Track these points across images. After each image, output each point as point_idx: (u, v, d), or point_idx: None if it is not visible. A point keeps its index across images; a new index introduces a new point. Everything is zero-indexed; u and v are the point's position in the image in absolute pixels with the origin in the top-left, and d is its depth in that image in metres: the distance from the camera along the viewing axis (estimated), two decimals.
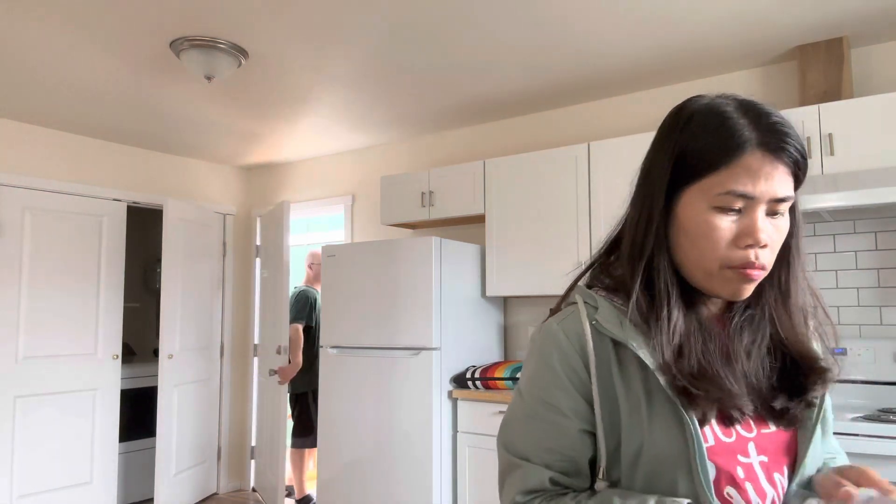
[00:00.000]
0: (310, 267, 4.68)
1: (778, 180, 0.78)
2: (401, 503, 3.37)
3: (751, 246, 0.78)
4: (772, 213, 0.79)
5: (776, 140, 0.77)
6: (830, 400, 0.93)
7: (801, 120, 2.74)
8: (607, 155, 3.28)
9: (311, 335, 4.49)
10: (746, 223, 0.79)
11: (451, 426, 3.40)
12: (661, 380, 0.79)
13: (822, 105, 2.72)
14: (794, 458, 0.85)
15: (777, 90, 3.17)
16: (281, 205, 4.31)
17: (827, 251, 2.94)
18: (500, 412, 3.23)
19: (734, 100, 0.82)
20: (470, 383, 3.35)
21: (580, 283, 0.94)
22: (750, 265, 0.79)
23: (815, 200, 2.52)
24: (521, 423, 0.88)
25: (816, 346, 0.88)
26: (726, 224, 0.79)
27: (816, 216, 2.79)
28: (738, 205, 0.78)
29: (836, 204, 2.50)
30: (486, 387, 3.32)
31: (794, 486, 0.82)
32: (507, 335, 3.93)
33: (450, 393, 3.40)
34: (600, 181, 3.29)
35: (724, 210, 0.79)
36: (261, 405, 4.84)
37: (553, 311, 0.93)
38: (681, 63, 3.17)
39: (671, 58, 3.10)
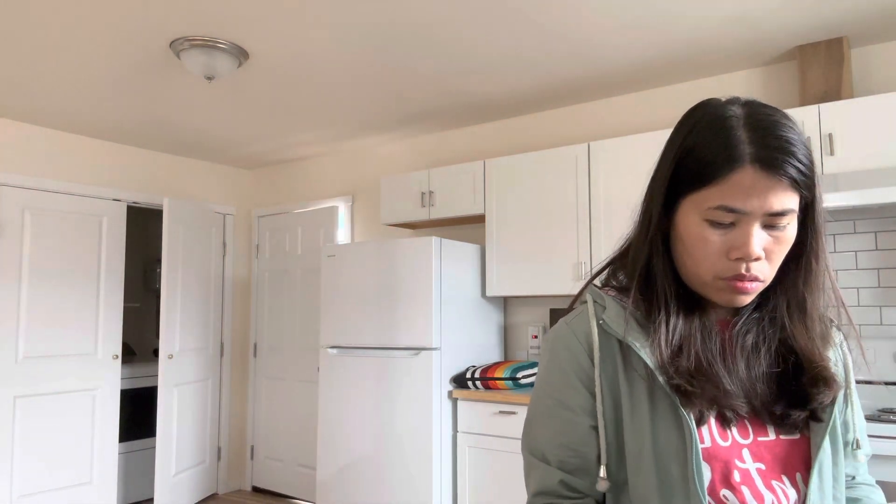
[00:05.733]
0: None
1: (775, 195, 0.76)
2: (401, 503, 3.37)
3: (742, 259, 0.78)
4: (770, 225, 0.78)
5: (774, 156, 0.75)
6: (859, 422, 0.91)
7: (801, 120, 2.74)
8: (607, 155, 3.28)
9: None
10: (738, 236, 0.78)
11: (451, 426, 3.40)
12: (660, 378, 0.80)
13: (822, 105, 2.72)
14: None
15: (777, 90, 3.17)
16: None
17: (827, 251, 2.94)
18: (501, 412, 3.23)
19: (743, 107, 0.80)
20: (470, 383, 3.35)
21: (596, 281, 0.95)
22: (740, 278, 0.78)
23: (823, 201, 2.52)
24: (536, 421, 0.90)
25: (832, 355, 0.86)
26: (717, 237, 0.79)
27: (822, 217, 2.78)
28: (729, 219, 0.77)
29: (836, 204, 2.50)
30: (486, 387, 3.32)
31: (813, 496, 0.80)
32: (507, 335, 3.93)
33: (450, 393, 3.40)
34: (600, 181, 3.29)
35: (715, 224, 0.78)
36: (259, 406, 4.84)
37: (567, 310, 0.95)
38: (681, 63, 3.17)
39: (671, 58, 3.10)
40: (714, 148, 0.78)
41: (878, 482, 1.79)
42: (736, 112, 0.79)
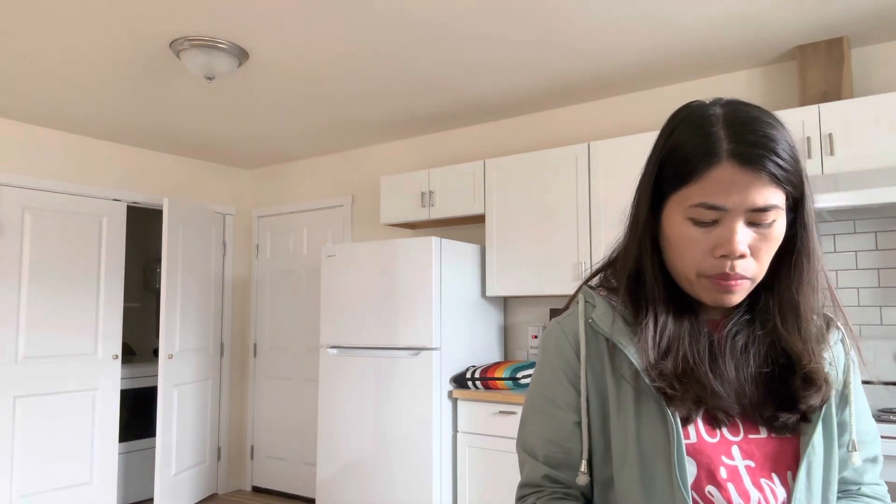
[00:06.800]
0: None
1: (756, 191, 0.75)
2: (401, 503, 3.37)
3: (726, 256, 0.77)
4: (754, 222, 0.77)
5: (751, 151, 0.75)
6: (866, 425, 0.90)
7: (802, 120, 2.74)
8: (607, 155, 3.28)
9: None
10: (722, 233, 0.77)
11: (451, 426, 3.40)
12: (646, 379, 0.81)
13: (822, 105, 2.72)
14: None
15: (777, 90, 3.17)
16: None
17: (827, 251, 2.94)
18: (501, 412, 3.23)
19: (724, 107, 0.80)
20: (470, 383, 3.35)
21: (591, 282, 0.96)
22: (724, 276, 0.78)
23: (816, 200, 2.52)
24: (528, 418, 0.93)
25: (826, 355, 0.85)
26: (700, 235, 0.78)
27: (817, 216, 2.79)
28: (712, 216, 0.77)
29: (836, 204, 2.50)
30: (486, 387, 3.32)
31: (799, 495, 0.80)
32: (507, 335, 3.93)
33: (450, 393, 3.40)
34: (600, 181, 3.29)
35: (698, 222, 0.78)
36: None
37: (562, 311, 0.97)
38: (681, 63, 3.17)
39: (671, 58, 3.10)
40: (693, 146, 0.78)
41: None
42: (716, 112, 0.80)
